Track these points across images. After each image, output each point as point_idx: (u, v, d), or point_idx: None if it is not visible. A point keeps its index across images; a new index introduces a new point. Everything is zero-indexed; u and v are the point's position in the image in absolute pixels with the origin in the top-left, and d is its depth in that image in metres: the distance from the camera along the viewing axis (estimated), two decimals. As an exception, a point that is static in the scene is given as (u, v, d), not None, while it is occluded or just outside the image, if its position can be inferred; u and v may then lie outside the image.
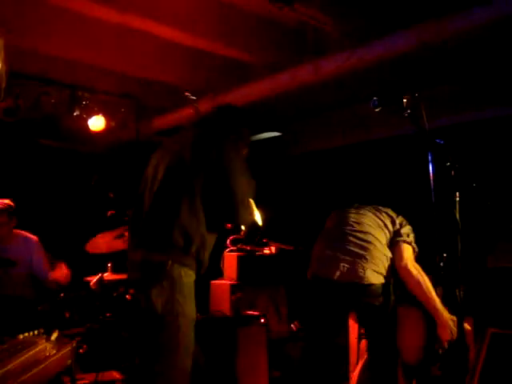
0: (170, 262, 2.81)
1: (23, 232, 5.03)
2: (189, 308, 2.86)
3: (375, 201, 4.06)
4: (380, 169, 6.15)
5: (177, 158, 3.00)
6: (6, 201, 4.89)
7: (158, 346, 2.80)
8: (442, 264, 3.57)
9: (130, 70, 5.43)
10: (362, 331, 4.23)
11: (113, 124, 6.29)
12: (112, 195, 4.96)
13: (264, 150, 6.91)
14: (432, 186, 2.97)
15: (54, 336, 2.62)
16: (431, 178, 2.97)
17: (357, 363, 4.23)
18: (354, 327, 4.37)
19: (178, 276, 2.83)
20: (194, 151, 2.96)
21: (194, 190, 2.89)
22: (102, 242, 4.85)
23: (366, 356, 4.04)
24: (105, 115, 6.16)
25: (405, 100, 2.85)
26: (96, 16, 4.38)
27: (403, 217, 3.92)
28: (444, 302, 3.66)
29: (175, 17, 4.43)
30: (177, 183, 2.92)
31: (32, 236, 5.06)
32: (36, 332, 2.81)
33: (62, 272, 4.85)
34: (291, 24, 4.93)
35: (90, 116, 6.08)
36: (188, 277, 2.89)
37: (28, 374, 2.32)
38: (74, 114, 5.96)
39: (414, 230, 3.85)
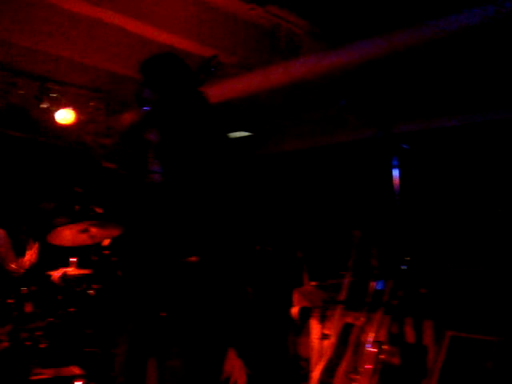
0: None
1: None
2: None
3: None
4: (346, 172, 6.18)
5: None
6: None
7: None
8: (404, 267, 3.59)
9: (100, 63, 5.37)
10: (325, 331, 4.23)
11: (82, 118, 6.23)
12: (79, 190, 4.91)
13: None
14: (396, 191, 3.02)
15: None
16: (396, 182, 3.02)
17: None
18: (316, 327, 4.39)
19: None
20: None
21: None
22: (67, 235, 4.77)
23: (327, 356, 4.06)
24: (74, 109, 6.10)
25: (372, 104, 2.91)
26: (68, 8, 4.33)
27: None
28: (405, 305, 3.67)
29: (151, 14, 4.40)
30: None
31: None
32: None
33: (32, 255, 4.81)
34: (265, 25, 4.95)
35: (58, 109, 6.00)
36: None
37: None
38: (43, 106, 5.88)
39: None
